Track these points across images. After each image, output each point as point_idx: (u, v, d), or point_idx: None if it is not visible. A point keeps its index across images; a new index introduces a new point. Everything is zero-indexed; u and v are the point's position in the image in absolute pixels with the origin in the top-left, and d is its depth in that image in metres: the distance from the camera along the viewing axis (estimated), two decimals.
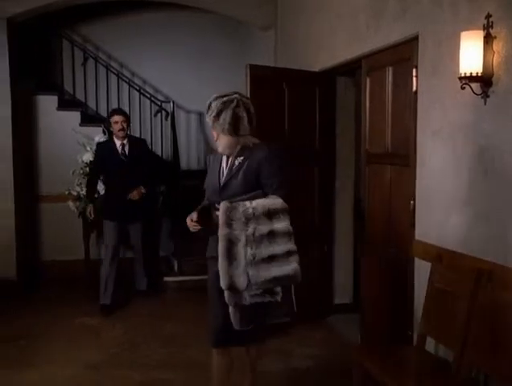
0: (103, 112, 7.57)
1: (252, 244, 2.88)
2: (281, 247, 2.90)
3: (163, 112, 7.95)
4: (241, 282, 2.85)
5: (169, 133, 7.78)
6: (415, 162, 3.72)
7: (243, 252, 2.87)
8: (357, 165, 5.27)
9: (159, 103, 7.94)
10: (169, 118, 7.85)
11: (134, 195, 5.65)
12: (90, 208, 5.80)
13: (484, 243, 3.07)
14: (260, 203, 2.96)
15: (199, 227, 3.15)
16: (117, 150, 5.64)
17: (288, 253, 2.92)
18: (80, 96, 7.62)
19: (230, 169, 3.17)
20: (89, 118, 7.43)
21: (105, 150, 5.67)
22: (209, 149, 7.78)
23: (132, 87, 7.77)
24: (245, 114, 3.09)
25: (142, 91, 7.85)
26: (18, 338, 4.91)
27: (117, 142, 5.65)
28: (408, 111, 3.80)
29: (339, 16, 4.81)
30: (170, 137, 7.75)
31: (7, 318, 5.41)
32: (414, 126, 3.73)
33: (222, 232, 2.89)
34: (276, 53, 6.55)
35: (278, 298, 2.94)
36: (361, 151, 4.58)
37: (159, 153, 7.77)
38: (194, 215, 3.17)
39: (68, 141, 6.82)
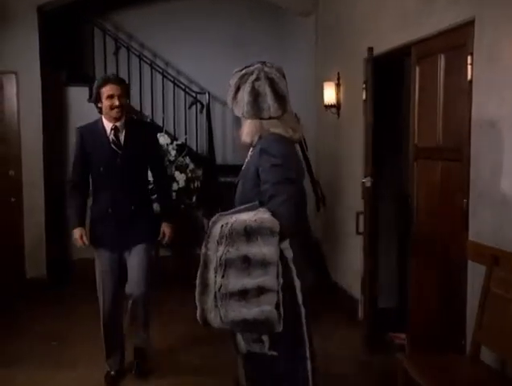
0: (135, 104, 7.61)
1: (219, 270, 2.41)
2: (253, 280, 2.38)
3: (198, 104, 7.96)
4: (213, 318, 2.44)
5: (204, 126, 7.79)
6: (469, 156, 3.62)
7: (213, 278, 2.43)
8: (404, 159, 5.17)
9: (194, 94, 7.95)
10: (204, 110, 7.87)
11: (169, 236, 4.24)
12: (80, 233, 4.04)
13: None
14: (241, 219, 2.44)
15: None
16: (107, 137, 4.03)
17: (259, 290, 2.38)
18: None
19: (244, 167, 2.74)
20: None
21: (88, 137, 4.08)
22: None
23: (166, 77, 7.79)
24: (268, 89, 2.56)
25: (176, 82, 7.87)
26: (50, 338, 5.00)
27: (107, 125, 4.04)
28: (462, 101, 3.70)
29: None
30: (205, 131, 7.77)
31: (39, 317, 5.54)
32: (468, 118, 3.62)
33: (201, 250, 2.51)
34: (317, 40, 6.49)
35: (265, 349, 2.53)
36: (408, 145, 4.50)
37: (194, 147, 7.78)
38: None
39: None
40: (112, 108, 3.97)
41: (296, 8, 6.69)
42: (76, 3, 6.84)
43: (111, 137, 4.03)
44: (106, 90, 3.97)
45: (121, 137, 4.03)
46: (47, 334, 5.08)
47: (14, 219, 6.51)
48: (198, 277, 2.49)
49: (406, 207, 4.55)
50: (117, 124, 4.03)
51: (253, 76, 2.56)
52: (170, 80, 7.82)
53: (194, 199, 6.81)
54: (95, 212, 4.11)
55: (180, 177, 6.54)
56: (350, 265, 5.70)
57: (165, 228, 4.21)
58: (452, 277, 3.87)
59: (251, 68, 2.59)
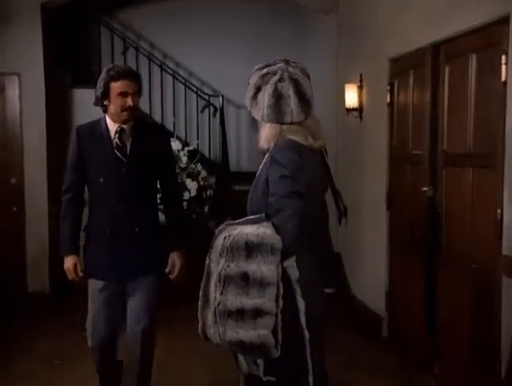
0: (144, 107, 7.61)
1: (218, 286, 2.38)
2: (250, 301, 2.34)
3: (211, 107, 7.96)
4: (212, 334, 2.42)
5: (217, 130, 7.78)
6: (503, 163, 3.57)
7: (213, 293, 2.41)
8: (431, 166, 5.11)
9: (207, 97, 7.96)
10: (217, 114, 7.86)
11: (179, 270, 3.63)
12: (73, 262, 3.53)
13: None
14: (244, 232, 2.39)
15: None
16: (111, 141, 3.51)
17: (256, 312, 2.33)
18: None
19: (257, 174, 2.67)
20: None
21: (88, 139, 3.55)
22: None
23: (177, 79, 7.81)
24: (292, 92, 2.48)
25: (187, 84, 7.88)
26: (53, 356, 4.99)
27: (112, 127, 3.52)
28: (495, 104, 3.65)
29: None
30: (218, 136, 7.76)
31: (41, 334, 5.52)
32: (502, 122, 3.57)
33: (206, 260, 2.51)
34: (339, 39, 6.47)
35: (261, 374, 2.46)
36: (437, 151, 4.45)
37: (206, 153, 7.76)
38: None
39: None
40: (124, 109, 3.43)
41: (316, 5, 6.67)
42: (82, 0, 6.87)
43: (115, 141, 3.49)
44: (118, 86, 3.39)
45: (128, 143, 3.50)
46: (50, 353, 5.07)
47: (15, 229, 6.52)
48: (201, 289, 2.48)
49: (434, 217, 4.49)
50: (124, 126, 3.50)
51: (277, 77, 2.48)
52: (181, 82, 7.84)
53: (206, 208, 6.79)
54: (90, 232, 3.57)
55: (192, 185, 6.53)
56: (373, 279, 5.65)
57: (175, 259, 3.61)
58: (484, 294, 3.81)
59: (274, 68, 2.51)
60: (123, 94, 3.41)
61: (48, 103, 6.60)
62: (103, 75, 3.44)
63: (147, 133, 3.60)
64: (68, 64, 7.34)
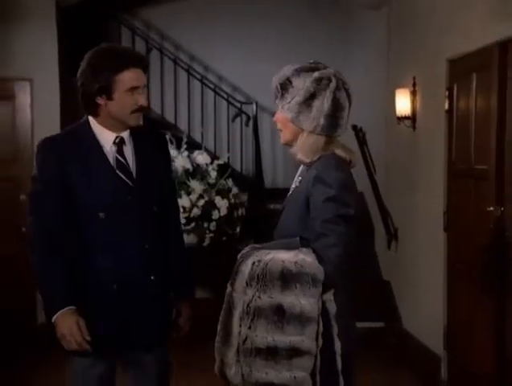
0: (169, 116, 7.61)
1: (246, 319, 2.31)
2: (286, 338, 2.27)
3: (243, 116, 7.94)
4: (233, 375, 2.35)
5: (250, 142, 7.75)
6: None
7: (237, 327, 2.34)
8: (498, 183, 5.01)
9: (239, 105, 7.94)
10: (250, 123, 7.83)
11: (186, 320, 3.07)
12: (75, 321, 2.69)
13: None
14: (278, 258, 2.32)
15: None
16: (106, 158, 2.82)
17: (293, 351, 2.27)
18: None
19: (290, 193, 2.61)
20: (152, 123, 7.50)
21: (70, 157, 2.77)
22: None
23: (205, 85, 7.82)
24: (347, 103, 2.47)
25: (217, 90, 7.88)
26: None
27: (105, 137, 2.82)
28: None
29: None
30: (251, 148, 7.72)
31: (52, 372, 5.42)
32: None
33: (227, 288, 2.44)
34: (389, 37, 6.42)
35: None
36: (504, 165, 4.36)
37: (238, 167, 7.72)
38: None
39: None
40: (135, 110, 2.77)
41: (363, 0, 6.61)
42: None
43: (114, 156, 2.81)
44: (129, 77, 2.72)
45: (131, 159, 2.85)
46: None
47: (24, 252, 6.48)
48: (220, 322, 2.42)
49: (501, 241, 4.39)
50: (123, 134, 2.84)
51: (334, 84, 2.43)
52: (210, 88, 7.84)
53: (238, 229, 6.74)
54: (85, 293, 2.78)
55: (222, 203, 6.49)
56: (428, 312, 5.54)
57: (183, 309, 3.06)
58: None
59: (326, 72, 2.46)
60: (134, 89, 2.74)
61: (63, 111, 6.60)
62: (98, 60, 2.74)
63: (150, 144, 2.96)
64: None
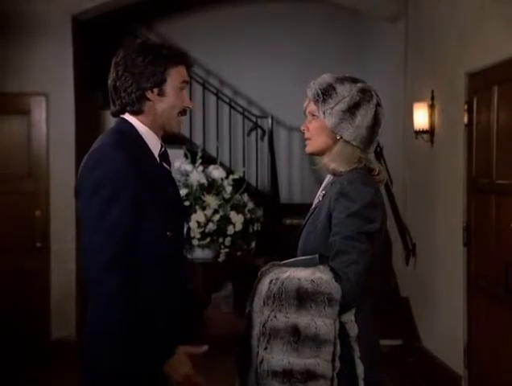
0: (184, 130, 7.56)
1: (262, 340, 2.24)
2: (301, 360, 2.19)
3: (259, 130, 7.91)
4: None
5: (266, 156, 7.71)
6: None
7: (256, 349, 2.27)
8: None
9: (254, 118, 7.91)
10: (266, 138, 7.80)
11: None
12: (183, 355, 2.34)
13: None
14: (295, 277, 2.25)
15: None
16: (162, 169, 2.54)
17: (307, 374, 2.19)
18: None
19: (314, 208, 2.51)
20: (168, 138, 7.46)
21: (139, 172, 2.35)
22: (319, 176, 7.56)
23: (220, 99, 7.81)
24: (383, 120, 2.45)
25: (232, 104, 7.86)
26: None
27: (155, 143, 2.54)
28: None
29: None
30: (267, 162, 7.69)
31: None
32: None
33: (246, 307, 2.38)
34: (406, 50, 6.39)
35: None
36: None
37: (253, 182, 7.68)
38: None
39: None
40: (182, 111, 2.49)
41: (381, 12, 6.60)
42: (117, 12, 6.88)
43: (167, 169, 2.55)
44: (182, 72, 2.47)
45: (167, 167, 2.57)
46: None
47: (39, 268, 6.48)
48: (240, 343, 2.35)
49: None
50: (159, 144, 2.55)
51: (375, 100, 2.40)
52: (225, 102, 7.83)
53: (253, 244, 6.68)
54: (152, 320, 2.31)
55: (237, 218, 6.43)
56: (448, 330, 5.47)
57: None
58: None
59: (368, 86, 2.43)
60: (184, 84, 2.47)
61: (78, 127, 6.58)
62: (153, 51, 2.45)
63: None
64: (100, 82, 7.35)
